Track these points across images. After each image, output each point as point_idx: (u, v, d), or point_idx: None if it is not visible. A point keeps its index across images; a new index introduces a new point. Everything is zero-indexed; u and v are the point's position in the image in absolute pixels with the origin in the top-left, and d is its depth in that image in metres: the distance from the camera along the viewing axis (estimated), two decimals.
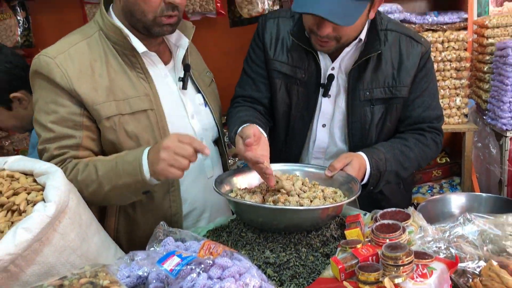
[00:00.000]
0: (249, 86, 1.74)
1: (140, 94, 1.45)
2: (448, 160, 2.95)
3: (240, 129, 1.47)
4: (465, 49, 2.62)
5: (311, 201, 1.32)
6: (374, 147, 1.63)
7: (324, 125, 1.73)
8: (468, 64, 2.64)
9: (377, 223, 1.27)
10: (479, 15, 3.12)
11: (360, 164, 1.52)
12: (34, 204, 1.17)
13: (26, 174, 1.31)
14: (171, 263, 0.88)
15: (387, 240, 1.21)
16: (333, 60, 1.65)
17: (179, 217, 1.56)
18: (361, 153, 1.57)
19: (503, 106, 2.55)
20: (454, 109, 2.66)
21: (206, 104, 1.67)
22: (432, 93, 1.72)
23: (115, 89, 1.42)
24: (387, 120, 1.69)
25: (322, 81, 1.66)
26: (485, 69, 2.77)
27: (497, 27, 2.68)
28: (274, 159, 1.47)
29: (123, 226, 1.56)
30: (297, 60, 1.65)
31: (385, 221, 1.28)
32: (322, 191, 1.37)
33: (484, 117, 2.80)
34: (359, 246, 1.18)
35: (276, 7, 2.44)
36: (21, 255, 1.08)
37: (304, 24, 1.56)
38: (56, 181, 1.21)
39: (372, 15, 1.54)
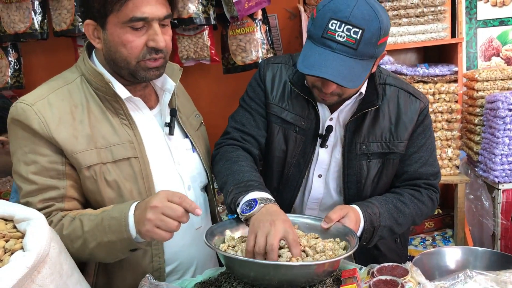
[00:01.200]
0: (247, 122, 1.68)
1: (123, 141, 1.39)
2: (441, 212, 2.92)
3: (260, 199, 1.36)
4: (456, 101, 2.65)
5: (313, 255, 1.26)
6: (368, 201, 1.58)
7: (320, 176, 1.69)
8: (459, 116, 2.66)
9: (375, 279, 1.22)
10: (468, 68, 3.19)
11: (356, 217, 1.47)
12: (12, 253, 1.10)
13: (6, 220, 1.25)
14: None
15: None
16: (332, 111, 1.63)
17: (161, 273, 1.47)
18: (355, 206, 1.52)
19: (494, 158, 2.55)
20: (445, 160, 2.66)
21: (194, 149, 1.61)
22: (430, 149, 1.69)
23: (96, 136, 1.36)
24: (384, 174, 1.66)
25: (320, 131, 1.64)
26: (475, 121, 2.79)
27: (487, 81, 2.72)
28: None
29: (101, 282, 1.47)
30: (298, 108, 1.64)
31: (383, 277, 1.23)
32: (325, 244, 1.31)
33: (476, 169, 2.80)
34: None
35: (270, 55, 2.46)
36: None
37: (307, 79, 1.56)
38: (37, 228, 1.14)
39: (374, 69, 1.54)
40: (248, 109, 1.69)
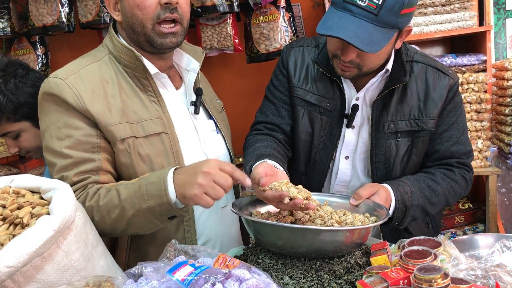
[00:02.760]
0: (271, 112, 1.70)
1: (154, 117, 1.40)
2: (471, 206, 2.83)
3: (253, 167, 1.39)
4: (485, 91, 2.58)
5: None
6: (399, 180, 1.55)
7: (347, 157, 1.66)
8: (488, 106, 2.59)
9: (406, 249, 1.17)
10: (497, 60, 3.11)
11: (387, 195, 1.44)
12: (38, 218, 1.10)
13: (33, 192, 1.25)
14: (183, 273, 0.79)
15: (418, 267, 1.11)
16: (358, 90, 1.61)
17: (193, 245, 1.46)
18: (386, 185, 1.49)
19: None
20: (476, 152, 2.58)
21: (218, 130, 1.62)
22: (461, 127, 1.64)
23: (128, 111, 1.37)
24: (413, 153, 1.61)
25: (346, 111, 1.61)
26: (506, 111, 2.70)
27: None
28: None
29: (134, 260, 1.45)
30: (322, 89, 1.62)
31: (415, 247, 1.18)
32: (354, 216, 1.28)
33: (508, 161, 2.71)
34: (387, 271, 1.08)
35: None
36: (21, 269, 1.00)
37: (328, 48, 1.54)
38: (63, 195, 1.14)
39: (398, 45, 1.51)
40: (272, 99, 1.70)
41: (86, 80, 1.36)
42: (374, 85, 1.59)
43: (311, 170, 1.68)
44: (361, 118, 1.62)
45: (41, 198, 1.23)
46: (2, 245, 1.04)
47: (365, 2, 1.34)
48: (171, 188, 1.21)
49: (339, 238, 1.17)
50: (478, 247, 1.71)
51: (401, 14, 1.36)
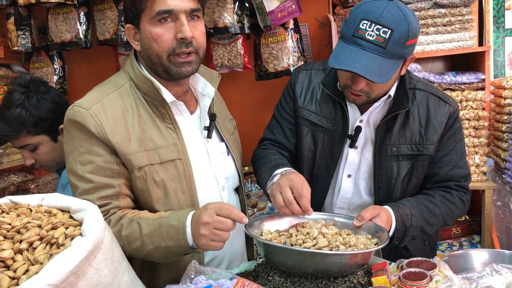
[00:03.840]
0: (277, 131, 1.83)
1: (169, 144, 1.49)
2: (468, 218, 2.94)
3: (281, 172, 1.54)
4: (483, 109, 2.68)
5: (346, 249, 1.34)
6: (400, 202, 1.65)
7: (349, 176, 1.76)
8: (486, 123, 2.70)
9: (404, 271, 1.29)
10: (495, 76, 3.22)
11: (388, 217, 1.55)
12: (72, 238, 1.21)
13: (63, 210, 1.37)
14: None
15: (415, 287, 1.22)
16: (362, 112, 1.71)
17: (201, 262, 1.56)
18: (387, 207, 1.59)
19: None
20: (473, 167, 2.69)
21: (229, 152, 1.70)
22: (460, 152, 1.75)
23: (145, 139, 1.46)
24: (413, 176, 1.71)
25: (349, 132, 1.71)
26: (503, 128, 2.81)
27: None
28: None
29: (146, 273, 1.57)
30: (325, 111, 1.73)
31: (412, 269, 1.29)
32: (357, 238, 1.39)
33: (504, 176, 2.82)
34: None
35: (301, 63, 2.55)
36: (58, 286, 1.11)
37: (339, 79, 1.65)
38: (93, 217, 1.25)
39: (403, 71, 1.62)
40: (278, 118, 1.84)
41: (108, 109, 1.44)
42: (377, 109, 1.69)
43: (313, 186, 1.76)
44: (364, 139, 1.72)
45: (70, 217, 1.35)
46: (42, 263, 1.15)
47: (373, 36, 1.45)
48: (189, 233, 1.34)
49: (344, 261, 1.28)
50: (472, 263, 1.82)
51: (406, 45, 1.48)
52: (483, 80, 2.71)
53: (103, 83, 1.56)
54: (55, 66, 2.75)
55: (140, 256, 1.43)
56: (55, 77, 2.73)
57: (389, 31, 1.43)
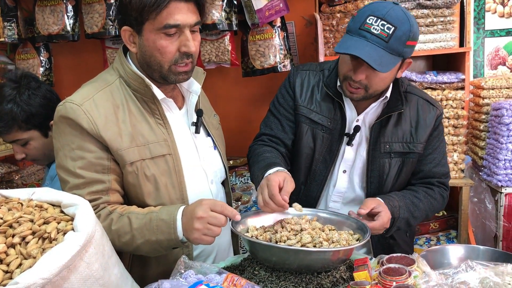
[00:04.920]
0: (275, 126, 1.88)
1: (159, 139, 1.52)
2: (445, 213, 3.03)
3: (267, 174, 1.59)
4: (463, 108, 2.76)
5: (329, 244, 1.40)
6: (389, 195, 1.76)
7: (344, 171, 1.85)
8: (465, 122, 2.78)
9: (384, 267, 1.35)
10: (475, 76, 3.31)
11: (386, 208, 1.66)
12: (64, 233, 1.24)
13: (53, 205, 1.39)
14: None
15: (394, 283, 1.28)
16: (358, 113, 1.81)
17: (190, 258, 1.60)
18: (379, 199, 1.70)
19: (498, 163, 2.67)
20: (451, 164, 2.77)
21: (215, 146, 1.74)
22: (442, 151, 1.89)
23: (136, 135, 1.48)
24: (403, 172, 1.83)
25: (347, 131, 1.81)
26: (481, 127, 2.91)
27: (492, 89, 2.84)
28: (293, 199, 1.59)
29: (136, 267, 1.60)
30: (325, 110, 1.82)
31: (392, 265, 1.36)
32: (340, 234, 1.45)
33: (480, 173, 2.92)
34: (368, 287, 1.25)
35: (287, 61, 2.59)
36: (51, 280, 1.14)
37: (340, 70, 1.73)
38: (85, 213, 1.28)
39: (399, 74, 1.73)
40: (276, 114, 1.90)
41: (100, 106, 1.46)
42: (372, 110, 1.80)
43: (311, 181, 1.87)
44: (360, 137, 1.83)
45: (61, 211, 1.38)
46: (35, 258, 1.18)
47: (378, 30, 1.56)
48: (179, 227, 1.38)
49: (327, 257, 1.34)
50: (449, 258, 1.90)
51: (406, 44, 1.59)
52: (463, 80, 2.78)
53: (92, 80, 1.57)
54: (41, 58, 2.73)
55: (129, 250, 1.46)
56: (41, 69, 2.72)
57: (393, 28, 1.55)
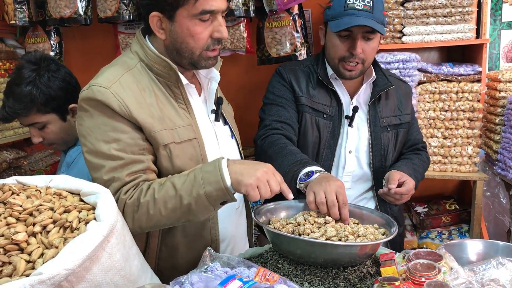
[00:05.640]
0: (283, 114, 1.91)
1: (186, 124, 1.49)
2: (457, 207, 3.01)
3: (319, 171, 1.60)
4: (478, 101, 2.72)
5: (355, 239, 1.36)
6: (398, 166, 1.91)
7: (350, 151, 1.96)
8: (481, 115, 2.73)
9: (412, 262, 1.32)
10: (490, 69, 3.26)
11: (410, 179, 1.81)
12: (86, 222, 1.21)
13: (72, 193, 1.35)
14: (233, 287, 0.91)
15: (423, 279, 1.25)
16: (351, 97, 1.97)
17: (217, 244, 1.58)
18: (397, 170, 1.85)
19: None
20: (465, 158, 2.74)
21: (233, 135, 1.71)
22: (417, 121, 2.21)
23: (165, 118, 1.45)
24: (398, 142, 2.02)
25: (346, 114, 1.94)
26: (496, 120, 2.87)
27: (509, 82, 2.79)
28: None
29: (164, 254, 1.57)
30: (323, 99, 1.94)
31: (420, 261, 1.32)
32: (365, 228, 1.42)
33: (494, 167, 2.88)
34: (397, 283, 1.22)
35: (304, 49, 2.54)
36: (74, 271, 1.11)
37: (332, 56, 1.88)
38: (107, 201, 1.25)
39: (379, 46, 1.92)
40: (280, 104, 1.94)
41: (127, 88, 1.42)
42: (363, 91, 1.97)
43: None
44: (359, 119, 1.97)
45: (81, 200, 1.34)
46: (57, 247, 1.14)
47: (361, 6, 1.75)
48: (227, 175, 1.33)
49: (354, 251, 1.31)
50: (467, 252, 1.87)
51: (383, 14, 1.81)
52: (480, 72, 2.74)
53: (111, 64, 1.52)
54: (52, 42, 2.67)
55: (176, 217, 1.39)
56: (52, 53, 2.66)
57: (371, 0, 1.75)
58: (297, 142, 1.93)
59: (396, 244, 2.05)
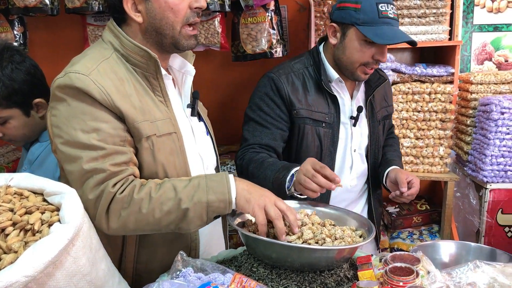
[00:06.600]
0: (265, 135, 1.87)
1: (165, 117, 1.42)
2: (428, 207, 3.02)
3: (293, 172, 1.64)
4: (451, 102, 2.74)
5: (332, 241, 1.32)
6: (393, 160, 2.04)
7: (355, 150, 1.99)
8: (452, 116, 2.75)
9: (390, 266, 1.29)
10: (461, 71, 3.29)
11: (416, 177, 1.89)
12: (49, 225, 1.13)
13: (35, 192, 1.27)
14: None
15: (401, 283, 1.22)
16: (352, 97, 1.98)
17: (196, 245, 1.52)
18: (396, 167, 1.97)
19: (485, 159, 2.66)
20: (437, 158, 2.75)
21: (208, 132, 1.66)
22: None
23: (145, 110, 1.38)
24: (385, 132, 2.12)
25: (349, 114, 1.96)
26: (468, 122, 2.89)
27: (481, 84, 2.83)
28: None
29: (143, 258, 1.49)
30: (320, 107, 1.89)
31: (398, 264, 1.30)
32: (343, 230, 1.38)
33: (465, 168, 2.91)
34: (376, 287, 1.18)
35: (280, 47, 2.50)
36: (35, 278, 1.03)
37: (355, 59, 1.82)
38: (72, 202, 1.17)
39: None
40: (263, 123, 1.87)
41: (106, 77, 1.33)
42: (360, 89, 1.99)
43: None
44: (360, 116, 1.97)
45: (44, 200, 1.26)
46: (16, 252, 1.06)
47: (392, 14, 1.77)
48: (234, 189, 1.30)
49: (332, 255, 1.27)
50: (440, 253, 1.88)
51: None
52: (452, 74, 2.76)
53: (84, 54, 1.43)
54: (15, 32, 2.54)
55: (167, 222, 1.31)
56: (15, 44, 2.53)
57: (395, 7, 1.79)
58: (295, 153, 1.92)
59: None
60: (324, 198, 1.88)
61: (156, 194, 1.29)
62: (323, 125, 1.90)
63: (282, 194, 1.57)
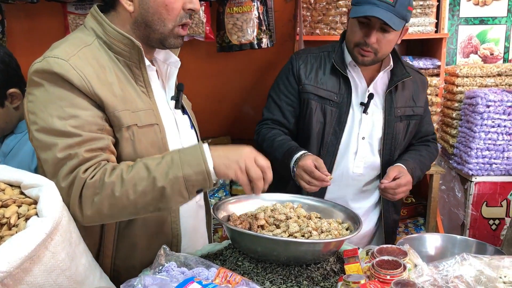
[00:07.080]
0: (276, 112, 2.02)
1: (147, 107, 1.38)
2: (414, 200, 3.03)
3: (295, 158, 1.81)
4: (437, 95, 2.74)
5: (318, 235, 1.30)
6: (405, 159, 1.97)
7: (363, 138, 1.99)
8: (439, 109, 2.76)
9: (377, 259, 1.27)
10: (447, 64, 3.30)
11: (407, 172, 1.89)
12: (26, 219, 1.09)
13: (12, 185, 1.22)
14: None
15: (388, 277, 1.21)
16: (368, 84, 1.98)
17: (178, 240, 1.47)
18: (401, 165, 1.91)
19: (470, 152, 2.67)
20: None
21: (192, 125, 1.62)
22: (429, 112, 2.21)
23: (126, 99, 1.33)
24: (408, 133, 2.04)
25: (361, 100, 1.96)
26: (453, 115, 2.90)
27: (467, 77, 2.83)
28: None
29: (122, 253, 1.43)
30: (331, 86, 1.96)
31: (385, 257, 1.28)
32: (329, 223, 1.36)
33: (450, 161, 2.92)
34: (363, 281, 1.17)
35: (266, 38, 2.46)
36: (11, 273, 0.99)
37: (350, 40, 1.89)
38: (51, 195, 1.13)
39: (399, 40, 1.91)
40: (277, 101, 2.03)
41: (86, 63, 1.28)
42: (379, 78, 1.97)
43: (323, 153, 1.98)
44: (375, 105, 1.98)
45: (21, 193, 1.21)
46: None
47: None
48: (209, 158, 1.24)
49: (318, 248, 1.25)
50: (426, 246, 1.88)
51: (408, 9, 1.79)
52: (439, 66, 2.76)
53: (65, 39, 1.37)
54: None
55: (144, 203, 1.24)
56: None
57: None
58: (301, 128, 2.00)
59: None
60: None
61: (128, 175, 1.22)
62: (330, 103, 1.95)
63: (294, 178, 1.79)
